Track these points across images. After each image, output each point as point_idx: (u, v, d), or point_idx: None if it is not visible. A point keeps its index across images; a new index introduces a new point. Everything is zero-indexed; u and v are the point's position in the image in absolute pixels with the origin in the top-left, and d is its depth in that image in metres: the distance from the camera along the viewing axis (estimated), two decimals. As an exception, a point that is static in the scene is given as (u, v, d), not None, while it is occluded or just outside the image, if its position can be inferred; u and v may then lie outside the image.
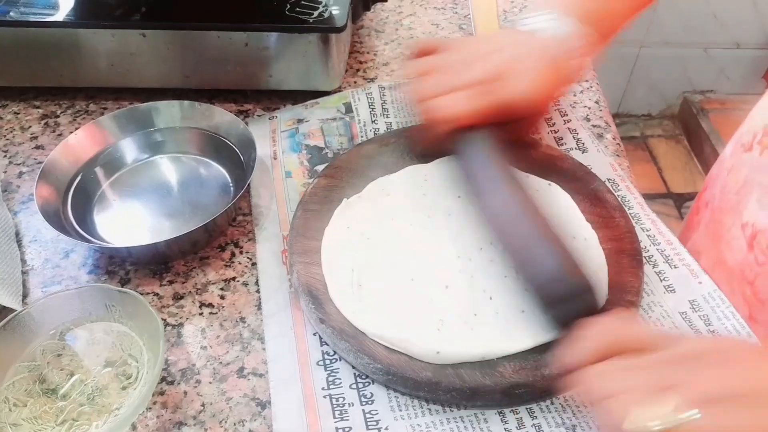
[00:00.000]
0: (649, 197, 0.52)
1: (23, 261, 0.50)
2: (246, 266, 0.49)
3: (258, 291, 0.47)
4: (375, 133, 0.58)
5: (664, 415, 0.29)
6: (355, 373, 0.42)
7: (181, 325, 0.46)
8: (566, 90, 0.51)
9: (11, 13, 0.58)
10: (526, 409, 0.40)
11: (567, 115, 0.60)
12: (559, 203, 0.51)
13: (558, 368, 0.37)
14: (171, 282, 0.48)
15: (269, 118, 0.61)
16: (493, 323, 0.43)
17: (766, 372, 0.31)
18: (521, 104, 0.47)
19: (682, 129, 1.87)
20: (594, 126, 0.60)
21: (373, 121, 0.59)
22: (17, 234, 0.52)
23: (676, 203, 1.68)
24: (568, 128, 0.58)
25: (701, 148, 1.77)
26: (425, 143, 0.52)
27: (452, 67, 0.49)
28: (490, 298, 0.44)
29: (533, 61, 0.48)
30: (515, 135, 0.51)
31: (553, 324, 0.40)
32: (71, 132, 0.55)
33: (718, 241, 0.50)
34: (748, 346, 0.38)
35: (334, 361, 0.43)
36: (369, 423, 0.39)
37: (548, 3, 0.51)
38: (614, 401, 0.31)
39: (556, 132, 0.58)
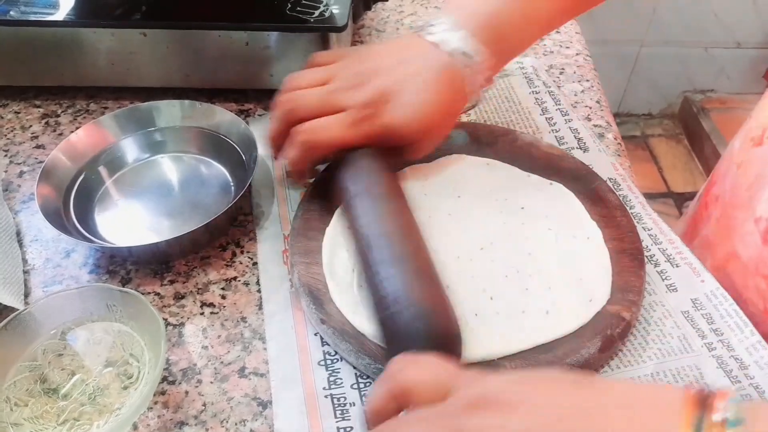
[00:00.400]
0: (649, 197, 0.52)
1: (24, 261, 0.50)
2: (247, 266, 0.49)
3: (259, 291, 0.47)
4: (376, 133, 0.58)
5: None
6: (356, 374, 0.42)
7: (182, 324, 0.46)
8: (462, 110, 0.48)
9: (11, 12, 0.58)
10: (528, 408, 0.40)
11: (568, 114, 0.59)
12: (562, 202, 0.51)
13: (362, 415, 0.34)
14: (172, 282, 0.48)
15: (270, 118, 0.61)
16: (494, 323, 0.43)
17: (553, 410, 0.28)
18: (403, 131, 0.45)
19: (683, 128, 1.87)
20: (595, 125, 0.60)
21: (374, 121, 0.59)
22: (18, 234, 0.52)
23: (677, 203, 1.68)
24: (569, 128, 0.58)
25: (702, 147, 1.77)
26: (299, 168, 0.48)
27: (341, 81, 0.46)
28: (491, 299, 0.44)
29: (427, 82, 0.45)
30: (402, 157, 0.48)
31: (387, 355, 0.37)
32: (72, 131, 0.55)
33: (731, 236, 0.49)
34: (557, 380, 0.31)
35: (335, 361, 0.43)
36: (370, 423, 0.39)
37: (448, 7, 0.47)
38: None
39: (557, 131, 0.58)
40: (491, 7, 0.47)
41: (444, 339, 0.37)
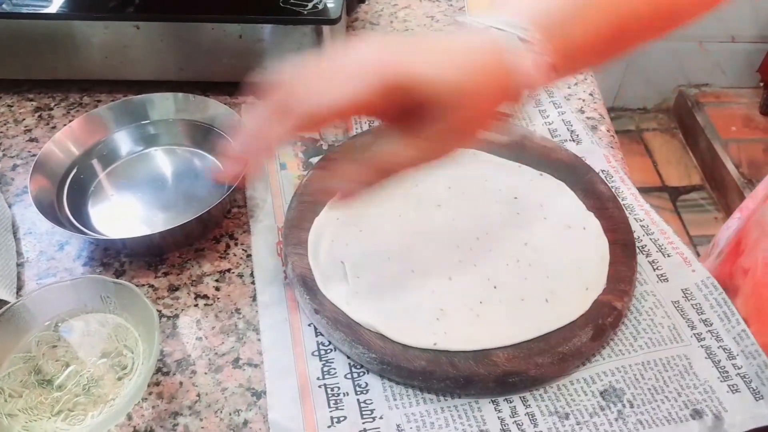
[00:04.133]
0: (644, 191, 0.53)
1: (18, 253, 0.50)
2: (241, 258, 0.49)
3: (253, 282, 0.48)
4: (370, 125, 0.58)
5: None
6: (350, 363, 0.42)
7: (176, 316, 0.46)
8: (513, 101, 0.35)
9: (3, 5, 0.58)
10: (520, 397, 0.40)
11: (561, 107, 0.60)
12: (556, 192, 0.51)
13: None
14: (166, 274, 0.48)
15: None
16: (496, 312, 0.43)
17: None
18: (435, 85, 0.32)
19: (677, 123, 1.88)
20: (588, 118, 0.60)
21: (367, 113, 0.59)
22: (12, 226, 0.52)
23: (671, 197, 1.69)
24: (563, 120, 0.58)
25: (696, 141, 1.78)
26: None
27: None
28: (495, 287, 0.44)
29: (470, 49, 0.34)
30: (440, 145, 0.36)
31: None
32: (65, 124, 0.55)
33: (763, 315, 0.45)
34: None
35: (329, 351, 0.43)
36: (364, 412, 0.40)
37: (503, 3, 0.36)
38: None
39: (550, 124, 0.58)
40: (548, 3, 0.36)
41: None
